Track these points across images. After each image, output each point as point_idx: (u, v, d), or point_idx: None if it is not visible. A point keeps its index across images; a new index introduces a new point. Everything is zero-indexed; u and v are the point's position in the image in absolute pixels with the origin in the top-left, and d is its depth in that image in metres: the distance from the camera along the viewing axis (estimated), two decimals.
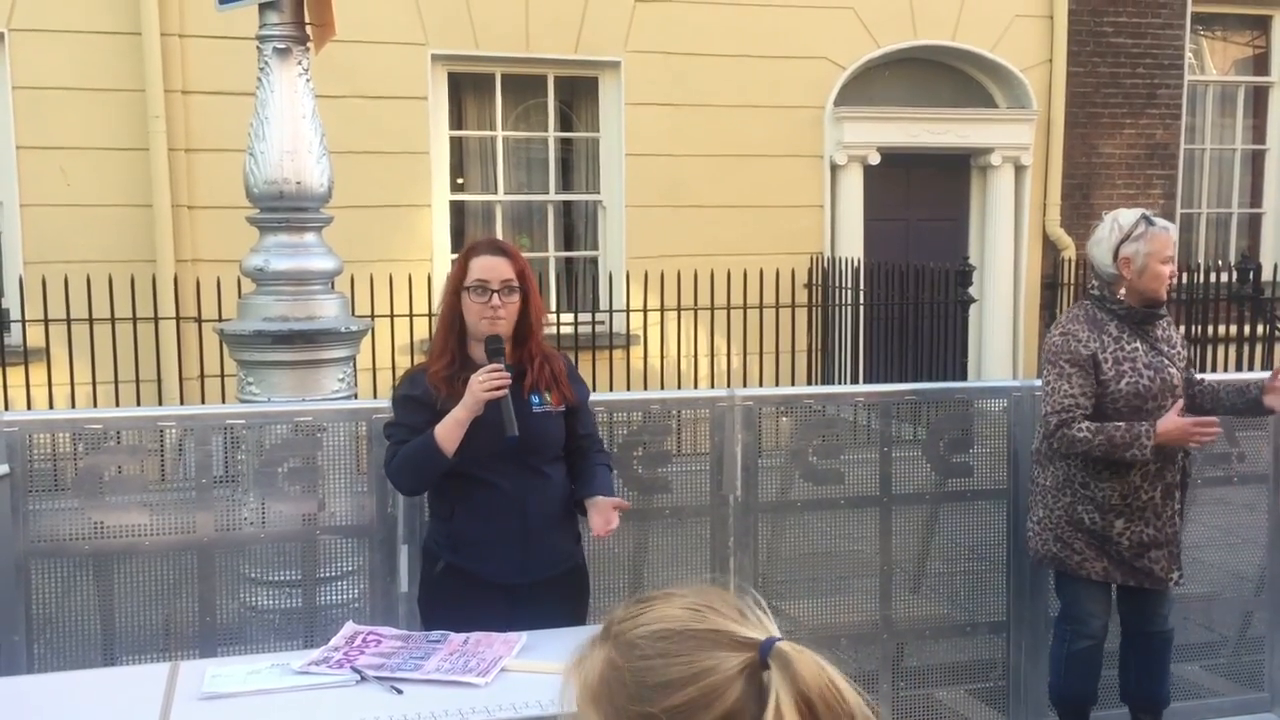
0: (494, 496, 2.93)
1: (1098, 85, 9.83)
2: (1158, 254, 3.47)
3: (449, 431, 2.84)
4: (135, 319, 6.92)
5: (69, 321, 6.84)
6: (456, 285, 2.95)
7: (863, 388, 5.50)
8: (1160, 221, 3.52)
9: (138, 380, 7.12)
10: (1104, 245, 3.54)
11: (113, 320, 6.87)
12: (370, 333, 6.95)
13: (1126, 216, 3.54)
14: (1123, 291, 3.51)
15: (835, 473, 3.76)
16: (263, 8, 4.48)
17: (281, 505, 3.34)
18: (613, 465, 3.21)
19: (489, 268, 2.92)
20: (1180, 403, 3.48)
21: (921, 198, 9.70)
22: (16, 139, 7.53)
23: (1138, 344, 3.50)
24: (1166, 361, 3.51)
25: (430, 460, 2.87)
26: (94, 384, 7.00)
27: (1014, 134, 9.66)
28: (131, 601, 3.32)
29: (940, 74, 9.68)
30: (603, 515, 2.96)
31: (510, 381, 2.85)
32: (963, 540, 4.01)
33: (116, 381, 7.07)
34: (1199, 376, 3.77)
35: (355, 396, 4.61)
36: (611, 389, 7.77)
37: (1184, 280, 9.21)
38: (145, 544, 3.23)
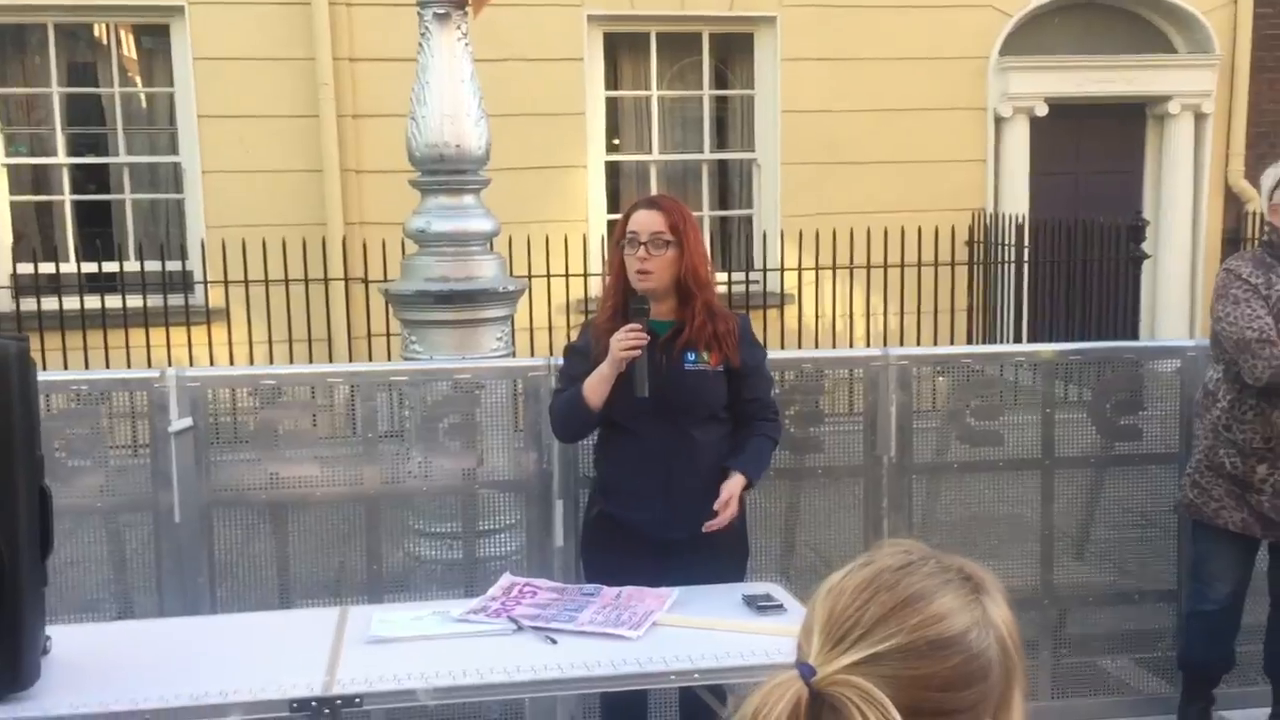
0: (640, 448, 2.97)
1: None
2: None
3: (594, 386, 2.91)
4: (307, 280, 7.21)
5: (246, 283, 7.19)
6: (619, 239, 3.01)
7: (1024, 346, 5.35)
8: None
9: (309, 339, 7.44)
10: (1263, 191, 3.38)
11: (286, 281, 7.18)
12: (527, 293, 7.09)
13: None
14: None
15: (994, 434, 3.66)
16: None
17: (443, 460, 3.46)
18: (778, 437, 3.17)
19: (641, 221, 2.95)
20: None
21: (1092, 150, 9.28)
22: (198, 108, 7.91)
23: None
24: None
25: (577, 412, 2.95)
26: (270, 342, 7.34)
27: (1194, 80, 9.13)
28: (305, 549, 3.50)
29: (1113, 18, 9.21)
30: (720, 507, 2.90)
31: (646, 341, 2.86)
32: (1131, 506, 3.86)
33: (290, 340, 7.39)
34: None
35: (513, 354, 4.72)
36: (766, 349, 7.72)
37: None
38: (317, 495, 3.39)
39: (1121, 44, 9.16)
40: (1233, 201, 9.30)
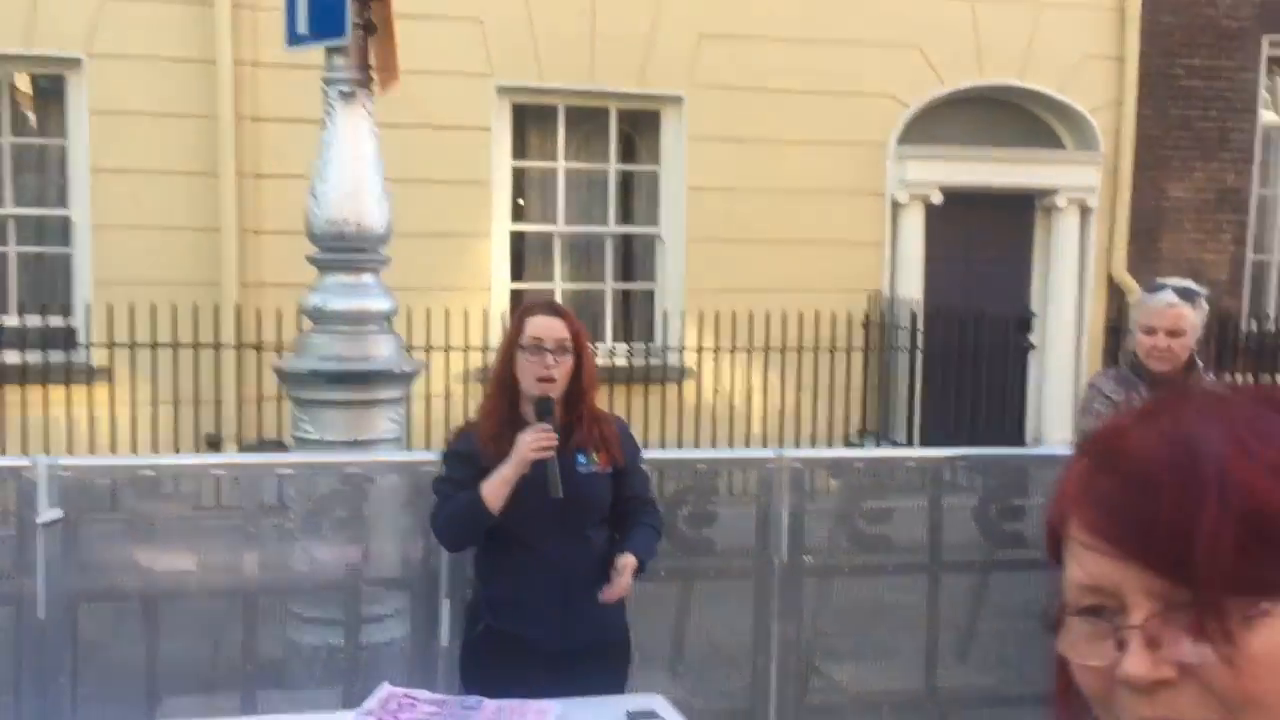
0: (535, 558, 2.93)
1: (1168, 128, 9.65)
2: (1142, 323, 3.48)
3: (495, 489, 2.85)
4: (197, 345, 7.03)
5: (133, 345, 6.98)
6: (511, 344, 2.97)
7: (914, 452, 5.44)
8: (1161, 292, 3.47)
9: (197, 402, 7.24)
10: (1131, 320, 3.58)
11: (175, 346, 6.99)
12: (426, 359, 7.03)
13: (1153, 283, 3.57)
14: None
15: (883, 538, 3.71)
16: (330, 51, 4.55)
17: (327, 554, 3.37)
18: (661, 529, 3.18)
19: (544, 327, 2.95)
20: None
21: (984, 238, 9.58)
22: (91, 161, 7.70)
23: None
24: None
25: (475, 517, 2.88)
26: (155, 404, 7.13)
27: (1080, 175, 9.51)
28: (177, 643, 3.37)
29: (1006, 113, 9.57)
30: (616, 578, 2.90)
31: (557, 442, 2.85)
32: (1015, 610, 3.93)
33: (176, 402, 7.19)
34: None
35: (407, 435, 4.64)
36: (664, 425, 7.76)
37: (1252, 329, 9.03)
38: (191, 587, 3.28)
39: (1013, 138, 9.50)
40: (1115, 293, 9.66)
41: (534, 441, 2.82)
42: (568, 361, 2.95)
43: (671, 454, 3.80)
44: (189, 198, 7.78)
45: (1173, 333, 3.41)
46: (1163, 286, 3.49)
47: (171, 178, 7.76)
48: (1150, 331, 3.43)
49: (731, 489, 3.69)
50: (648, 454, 3.69)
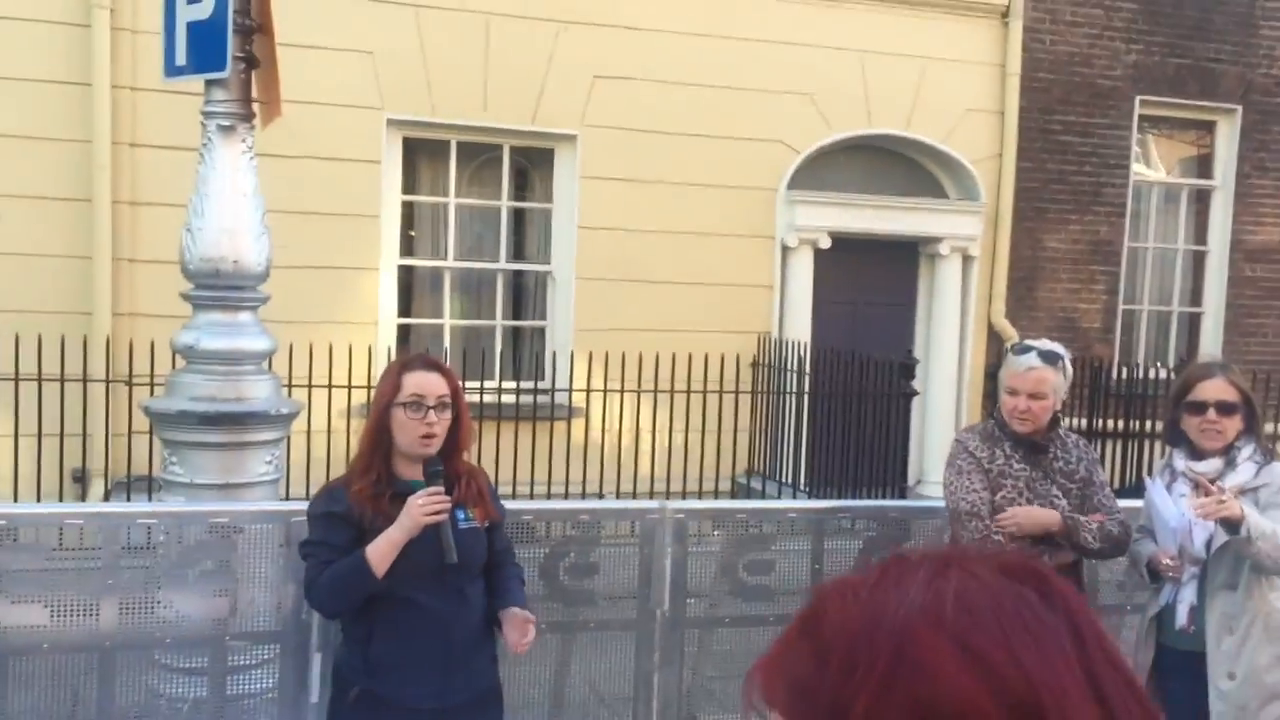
0: (418, 617, 2.84)
1: (1045, 181, 10.00)
2: (1003, 383, 3.54)
3: (382, 553, 2.75)
4: (63, 380, 6.74)
5: None
6: (388, 400, 2.87)
7: (795, 503, 5.49)
8: (1025, 356, 3.48)
9: (62, 435, 6.93)
10: (999, 381, 3.62)
11: (39, 380, 6.69)
12: (307, 396, 6.85)
13: (1019, 344, 3.59)
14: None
15: (765, 589, 3.71)
16: (209, 83, 4.42)
17: (193, 607, 3.23)
18: (523, 577, 3.15)
19: (424, 383, 2.87)
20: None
21: (870, 283, 9.77)
22: None
23: (1026, 468, 3.48)
24: (1057, 492, 3.48)
25: (360, 582, 2.77)
26: (15, 436, 6.81)
27: (962, 225, 9.78)
28: (29, 701, 3.19)
29: (893, 162, 9.80)
30: (518, 630, 2.91)
31: (450, 506, 2.79)
32: None
33: (40, 435, 6.87)
34: (1098, 516, 3.60)
35: (283, 477, 4.50)
36: (551, 462, 7.69)
37: (1122, 376, 9.35)
38: (45, 645, 3.11)
39: (900, 186, 9.74)
40: (994, 339, 9.94)
41: (427, 505, 2.75)
42: (447, 418, 2.89)
43: (554, 505, 3.76)
44: (62, 224, 7.50)
45: (1034, 395, 3.43)
46: (1028, 349, 3.50)
47: (43, 203, 7.47)
48: (1013, 393, 3.46)
49: (615, 538, 3.66)
50: (531, 504, 3.65)
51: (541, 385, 8.24)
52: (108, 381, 6.99)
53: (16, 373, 6.63)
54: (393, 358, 6.50)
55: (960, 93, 9.62)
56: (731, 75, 8.94)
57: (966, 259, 9.86)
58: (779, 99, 9.10)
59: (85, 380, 6.86)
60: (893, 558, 0.73)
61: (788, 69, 9.08)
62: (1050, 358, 3.47)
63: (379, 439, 2.88)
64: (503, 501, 3.16)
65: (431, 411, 2.84)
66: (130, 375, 6.87)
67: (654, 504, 3.54)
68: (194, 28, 4.38)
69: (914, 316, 10.03)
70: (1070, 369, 3.54)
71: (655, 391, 8.04)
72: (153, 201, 7.63)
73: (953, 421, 9.80)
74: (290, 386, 6.70)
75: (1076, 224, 10.12)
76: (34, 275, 7.44)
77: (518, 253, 9.06)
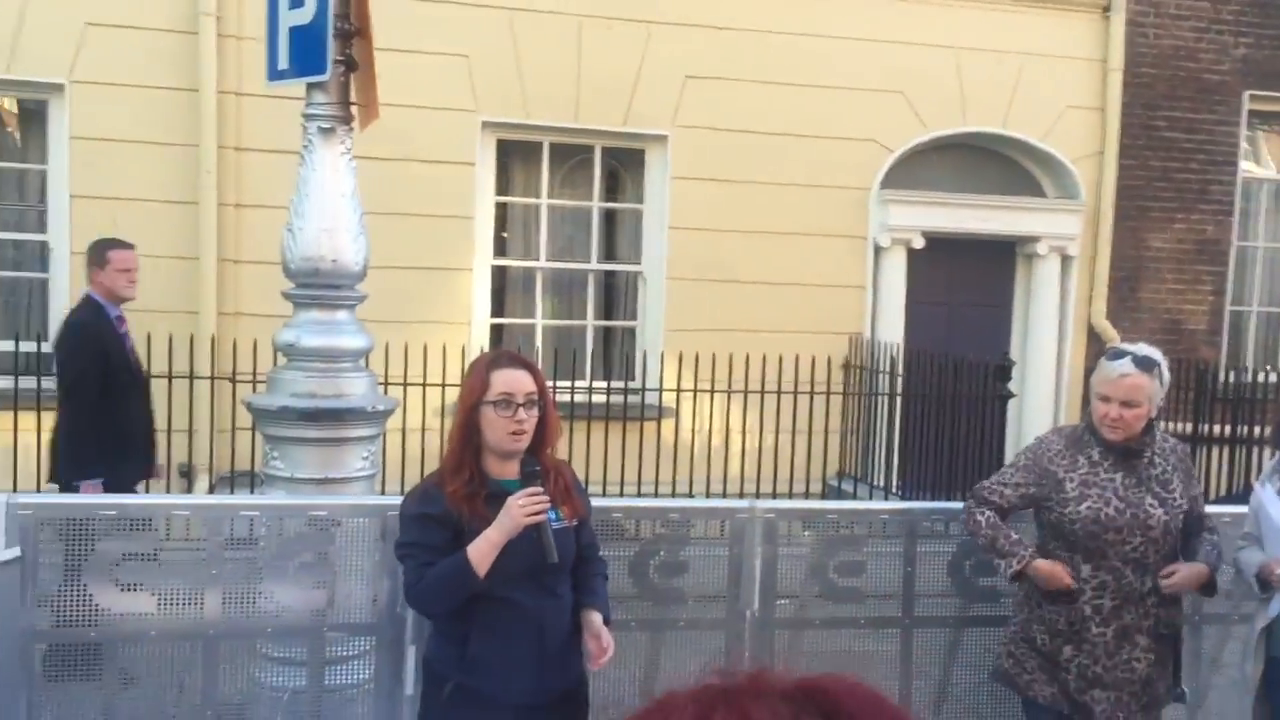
0: (514, 616, 2.86)
1: (1149, 179, 9.73)
2: (1096, 389, 3.36)
3: (483, 554, 2.76)
4: (171, 376, 6.95)
5: None
6: (477, 398, 2.89)
7: (887, 505, 5.42)
8: (1119, 360, 3.32)
9: (170, 430, 7.15)
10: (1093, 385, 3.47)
11: (148, 375, 6.90)
12: (403, 394, 6.97)
13: (1114, 349, 3.46)
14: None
15: (856, 591, 3.67)
16: (310, 86, 4.53)
17: (292, 598, 3.31)
18: (607, 574, 3.17)
19: (512, 381, 2.88)
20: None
21: (965, 283, 9.61)
22: (70, 187, 7.66)
23: (1118, 475, 3.35)
24: (1152, 501, 3.33)
25: (463, 583, 2.78)
26: None
27: (1061, 224, 9.56)
28: (135, 686, 3.30)
29: (988, 160, 9.63)
30: (598, 643, 2.91)
31: (550, 505, 2.82)
32: (987, 666, 3.89)
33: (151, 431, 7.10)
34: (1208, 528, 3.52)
35: (379, 473, 4.59)
36: (640, 462, 7.71)
37: (1229, 379, 9.05)
38: (152, 632, 3.21)
39: (996, 185, 9.56)
40: (1095, 341, 9.70)
41: (528, 505, 2.77)
42: (535, 415, 2.90)
43: (644, 503, 3.77)
44: (169, 226, 7.74)
45: (1127, 403, 3.28)
46: (1122, 354, 3.34)
47: (151, 206, 7.72)
48: (1105, 400, 3.31)
49: (705, 537, 3.65)
50: (621, 502, 3.67)
51: (632, 385, 8.26)
52: (212, 378, 7.20)
53: None
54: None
55: (1060, 89, 9.41)
56: (823, 74, 8.88)
57: (1065, 259, 9.64)
58: (872, 97, 9.01)
59: (191, 377, 7.06)
60: (663, 696, 0.70)
61: (881, 67, 8.98)
62: (1146, 364, 3.30)
63: (469, 437, 2.89)
64: (592, 500, 3.17)
65: (521, 409, 2.86)
66: (234, 372, 7.06)
67: (744, 503, 3.53)
68: (296, 32, 4.49)
69: (1010, 317, 9.83)
70: (1167, 375, 3.37)
71: (745, 392, 8.01)
72: (256, 204, 7.84)
73: (1051, 425, 9.58)
74: (386, 384, 6.83)
75: (1182, 222, 9.82)
76: (144, 276, 7.66)
77: (609, 253, 9.11)
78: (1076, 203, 9.54)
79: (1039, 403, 9.54)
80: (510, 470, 2.92)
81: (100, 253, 5.82)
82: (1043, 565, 3.27)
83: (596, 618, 2.94)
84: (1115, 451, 3.35)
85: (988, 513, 3.35)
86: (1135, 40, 9.56)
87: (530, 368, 2.95)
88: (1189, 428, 9.00)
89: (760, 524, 3.51)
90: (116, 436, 5.35)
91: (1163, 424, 3.60)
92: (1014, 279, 9.84)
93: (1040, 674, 3.37)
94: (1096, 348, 9.70)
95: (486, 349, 8.02)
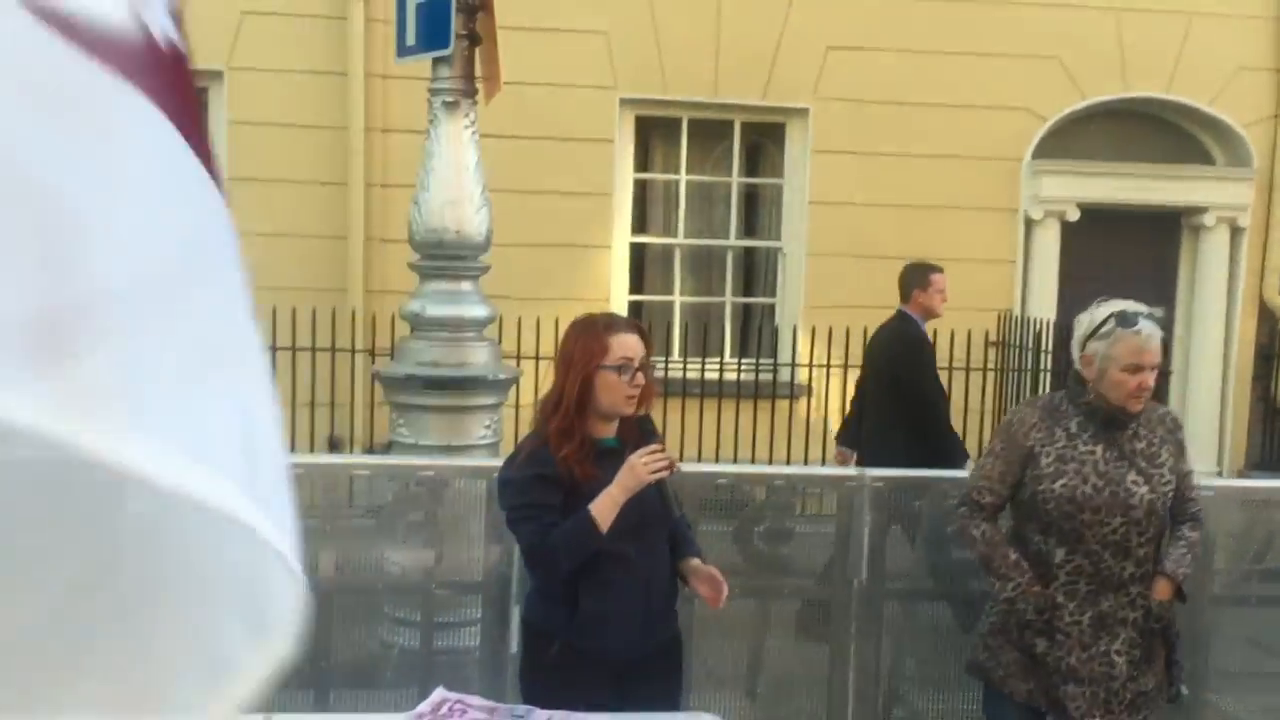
0: (624, 571, 2.89)
1: None
2: (1119, 359, 2.99)
3: (605, 512, 2.79)
4: (314, 349, 7.24)
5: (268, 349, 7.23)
6: (598, 362, 2.89)
7: None
8: (1140, 323, 3.02)
9: (313, 404, 7.46)
10: (1075, 336, 3.16)
11: (293, 349, 7.21)
12: (534, 369, 7.08)
13: (1104, 309, 3.11)
14: (1091, 392, 3.08)
15: (968, 562, 3.55)
16: (435, 61, 4.64)
17: (401, 557, 3.41)
18: (690, 523, 3.17)
19: (629, 345, 2.91)
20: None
21: (1124, 258, 9.15)
22: (230, 170, 8.02)
23: (1098, 448, 3.05)
24: (1135, 478, 3.04)
25: (589, 541, 2.80)
26: (282, 406, 7.36)
27: (1232, 193, 9.02)
28: None
29: (1150, 127, 9.14)
30: (709, 585, 2.94)
31: (671, 462, 2.84)
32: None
33: (307, 404, 7.43)
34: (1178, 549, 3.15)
35: (500, 442, 4.68)
36: (773, 439, 7.64)
37: None
38: None
39: (1158, 153, 9.08)
40: (1267, 317, 9.13)
41: (650, 463, 2.80)
42: (645, 378, 2.93)
43: (751, 469, 3.73)
44: (319, 206, 8.04)
45: (1155, 367, 3.05)
46: (1134, 318, 3.03)
47: (302, 187, 8.03)
48: (1136, 370, 2.99)
49: (813, 507, 3.59)
50: (729, 468, 3.64)
51: (770, 363, 8.18)
52: (353, 352, 7.47)
53: (285, 343, 7.17)
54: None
55: (1230, 50, 8.86)
56: (971, 40, 8.58)
57: (1235, 230, 9.10)
58: (1023, 63, 8.66)
59: (334, 350, 7.34)
60: None
61: (1033, 31, 8.62)
62: (1158, 321, 3.10)
63: (581, 400, 2.90)
64: (705, 468, 3.17)
65: (639, 373, 2.90)
66: (373, 347, 7.31)
67: (853, 470, 3.46)
68: (422, 9, 4.61)
69: (1174, 294, 9.33)
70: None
71: None
72: (400, 184, 8.06)
73: (1217, 406, 9.09)
74: (518, 358, 6.95)
75: None
76: (296, 254, 8.01)
77: (748, 229, 9.03)
78: (1248, 170, 8.98)
79: (1205, 383, 9.04)
80: (609, 430, 2.95)
81: (923, 275, 6.11)
82: (1035, 595, 3.03)
83: (698, 562, 2.99)
84: (1096, 421, 3.07)
85: (984, 526, 3.09)
86: None
87: (641, 330, 3.00)
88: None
89: (869, 492, 3.43)
90: None
91: None
92: (1178, 252, 9.33)
93: (1016, 668, 3.12)
94: (1269, 324, 9.13)
95: None
